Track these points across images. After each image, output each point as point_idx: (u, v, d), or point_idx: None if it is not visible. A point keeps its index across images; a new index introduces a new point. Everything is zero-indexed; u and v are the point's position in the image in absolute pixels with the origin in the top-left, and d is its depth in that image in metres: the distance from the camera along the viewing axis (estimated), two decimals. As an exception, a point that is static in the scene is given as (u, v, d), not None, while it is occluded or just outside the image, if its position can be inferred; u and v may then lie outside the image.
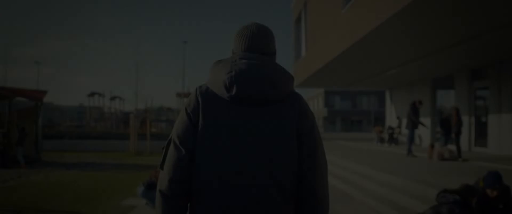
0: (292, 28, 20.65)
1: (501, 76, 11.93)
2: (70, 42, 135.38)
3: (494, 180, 4.06)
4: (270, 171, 1.44)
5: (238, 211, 1.43)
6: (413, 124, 11.25)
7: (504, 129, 11.76)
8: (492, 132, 12.28)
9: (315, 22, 15.02)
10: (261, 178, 1.44)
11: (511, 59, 11.39)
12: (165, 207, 1.49)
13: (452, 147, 10.68)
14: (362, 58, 12.19)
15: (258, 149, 1.45)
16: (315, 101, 71.37)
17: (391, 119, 20.23)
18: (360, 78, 17.05)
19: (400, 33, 9.03)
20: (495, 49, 10.45)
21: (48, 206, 6.38)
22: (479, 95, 13.44)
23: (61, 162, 13.74)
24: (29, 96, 12.95)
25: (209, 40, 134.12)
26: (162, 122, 36.38)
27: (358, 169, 8.89)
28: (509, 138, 11.53)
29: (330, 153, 12.64)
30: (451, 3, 6.86)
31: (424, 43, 9.89)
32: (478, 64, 12.71)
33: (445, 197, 3.63)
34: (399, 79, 17.03)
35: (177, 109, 37.50)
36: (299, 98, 1.54)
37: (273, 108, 1.48)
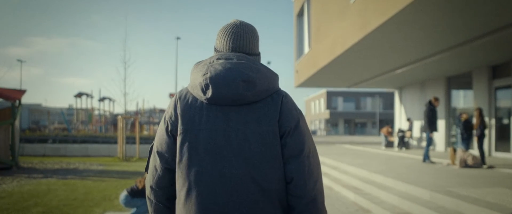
0: (293, 23, 19.98)
1: (526, 74, 11.26)
2: (59, 41, 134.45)
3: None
4: (252, 174, 1.45)
5: None
6: (431, 126, 10.51)
7: (530, 132, 11.09)
8: (516, 136, 11.60)
9: (320, 15, 14.33)
10: (243, 181, 1.45)
11: (538, 55, 10.73)
12: (151, 210, 1.61)
13: (472, 152, 10.01)
14: (372, 54, 11.50)
15: (239, 152, 1.46)
16: (316, 102, 70.69)
17: (400, 121, 19.56)
18: (368, 77, 16.37)
19: (417, 25, 8.34)
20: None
21: (12, 223, 5.65)
22: (500, 95, 12.76)
23: (40, 168, 13.00)
24: (3, 95, 12.19)
25: (204, 35, 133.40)
26: (155, 124, 35.60)
27: (372, 177, 8.18)
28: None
29: (336, 159, 11.94)
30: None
31: (444, 36, 9.20)
32: (499, 60, 12.03)
33: None
34: (410, 78, 16.36)
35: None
36: (282, 96, 1.53)
37: (254, 108, 1.49)
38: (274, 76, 1.55)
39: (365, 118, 65.10)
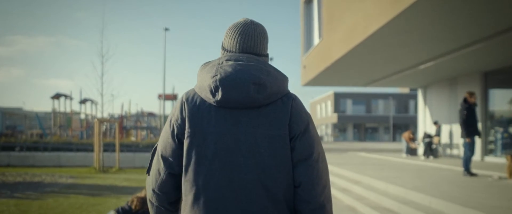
0: (300, 12, 18.72)
1: None
2: (42, 40, 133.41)
3: None
4: (262, 179, 1.50)
5: None
6: (469, 129, 9.14)
7: None
8: None
9: (333, -2, 13.03)
10: (253, 186, 1.49)
11: None
12: (153, 213, 1.66)
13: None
14: (399, 42, 10.22)
15: (249, 156, 1.51)
16: (322, 105, 69.44)
17: (425, 125, 18.25)
18: (388, 74, 15.09)
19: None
20: None
21: None
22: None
23: (-2, 181, 11.67)
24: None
25: (196, 28, 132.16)
26: (142, 129, 34.25)
27: (410, 196, 6.84)
28: None
29: (355, 171, 10.63)
30: None
31: (497, 16, 7.92)
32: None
33: None
34: (437, 74, 15.07)
35: (160, 115, 35.52)
36: (292, 99, 1.60)
37: (263, 112, 1.54)
38: (284, 79, 1.61)
39: (377, 122, 63.71)
